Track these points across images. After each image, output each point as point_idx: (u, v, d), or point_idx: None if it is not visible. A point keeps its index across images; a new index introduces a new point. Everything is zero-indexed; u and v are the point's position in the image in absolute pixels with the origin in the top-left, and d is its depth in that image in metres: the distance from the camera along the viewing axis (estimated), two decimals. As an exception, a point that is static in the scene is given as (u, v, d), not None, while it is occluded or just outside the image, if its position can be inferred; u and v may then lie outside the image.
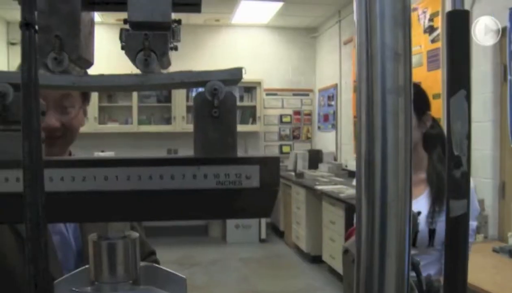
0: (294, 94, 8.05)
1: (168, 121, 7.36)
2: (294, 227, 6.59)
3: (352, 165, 6.30)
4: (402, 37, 0.56)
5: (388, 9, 0.55)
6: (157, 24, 0.53)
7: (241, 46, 7.76)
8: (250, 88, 7.59)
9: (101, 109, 7.17)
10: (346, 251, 1.15)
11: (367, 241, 0.55)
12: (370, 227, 0.55)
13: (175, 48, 0.57)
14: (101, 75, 0.53)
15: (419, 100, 1.79)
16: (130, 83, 0.53)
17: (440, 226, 1.80)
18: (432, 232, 1.72)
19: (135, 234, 0.60)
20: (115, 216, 0.55)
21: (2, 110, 0.52)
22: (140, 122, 7.24)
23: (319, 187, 5.52)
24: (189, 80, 0.54)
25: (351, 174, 6.22)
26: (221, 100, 0.53)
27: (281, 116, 8.05)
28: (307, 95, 8.10)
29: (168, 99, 7.37)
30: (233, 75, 0.54)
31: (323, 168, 6.88)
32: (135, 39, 0.52)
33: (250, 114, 7.62)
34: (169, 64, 0.58)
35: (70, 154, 1.35)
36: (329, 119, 7.47)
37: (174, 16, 0.58)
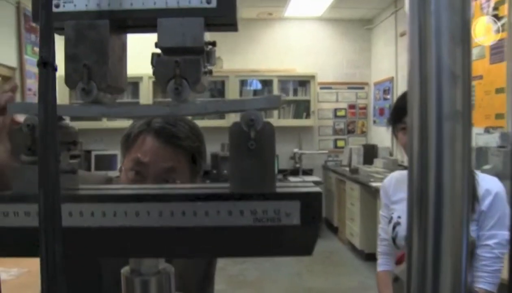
0: (349, 88, 7.89)
1: (221, 116, 7.39)
2: (348, 223, 6.48)
3: (408, 161, 6.09)
4: (461, 56, 0.49)
5: (445, 24, 0.49)
6: (188, 49, 0.49)
7: (294, 39, 7.67)
8: (304, 82, 7.49)
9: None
10: (396, 279, 1.08)
11: (419, 274, 0.50)
12: (422, 260, 0.50)
13: (210, 72, 0.53)
14: (131, 105, 0.50)
15: None
16: (161, 113, 0.50)
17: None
18: None
19: (170, 269, 0.57)
20: (146, 252, 0.52)
21: (32, 143, 0.50)
22: (195, 117, 7.30)
23: (374, 184, 5.39)
24: (224, 109, 0.50)
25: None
26: (258, 130, 0.49)
27: (335, 110, 7.91)
28: (362, 88, 7.92)
29: (221, 93, 7.40)
30: (271, 103, 0.49)
31: (378, 163, 6.71)
32: (166, 66, 0.49)
33: (304, 108, 7.53)
34: (203, 88, 0.54)
35: None
36: (385, 113, 7.28)
37: (209, 36, 0.54)
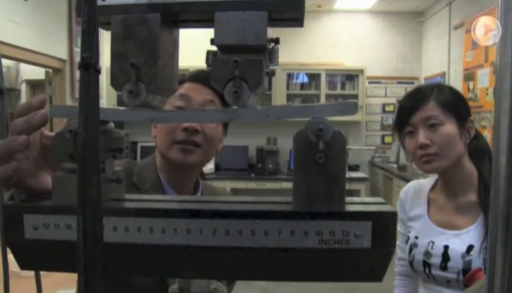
0: (398, 83, 7.66)
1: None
2: (395, 222, 6.33)
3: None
4: None
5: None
6: (250, 47, 0.43)
7: (343, 32, 7.51)
8: (352, 76, 7.32)
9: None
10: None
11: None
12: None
13: (272, 73, 0.47)
14: (184, 112, 0.44)
15: (460, 105, 1.47)
16: (216, 120, 0.44)
17: None
18: None
19: (222, 289, 0.51)
20: (196, 274, 0.47)
21: (74, 151, 0.45)
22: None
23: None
24: (289, 117, 0.44)
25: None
26: (328, 142, 0.42)
27: (384, 105, 7.71)
28: (412, 83, 7.67)
29: (268, 87, 7.34)
30: (343, 112, 0.43)
31: (427, 161, 6.49)
32: (223, 66, 0.43)
33: (351, 103, 7.38)
34: (264, 90, 0.48)
35: (198, 183, 1.29)
36: (436, 109, 7.04)
37: (271, 32, 0.48)
